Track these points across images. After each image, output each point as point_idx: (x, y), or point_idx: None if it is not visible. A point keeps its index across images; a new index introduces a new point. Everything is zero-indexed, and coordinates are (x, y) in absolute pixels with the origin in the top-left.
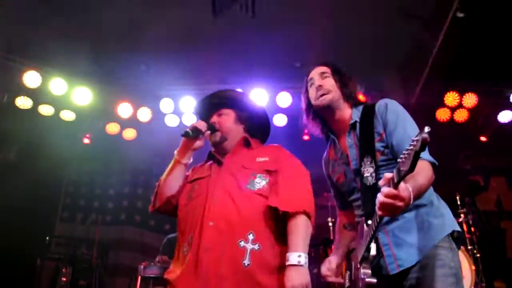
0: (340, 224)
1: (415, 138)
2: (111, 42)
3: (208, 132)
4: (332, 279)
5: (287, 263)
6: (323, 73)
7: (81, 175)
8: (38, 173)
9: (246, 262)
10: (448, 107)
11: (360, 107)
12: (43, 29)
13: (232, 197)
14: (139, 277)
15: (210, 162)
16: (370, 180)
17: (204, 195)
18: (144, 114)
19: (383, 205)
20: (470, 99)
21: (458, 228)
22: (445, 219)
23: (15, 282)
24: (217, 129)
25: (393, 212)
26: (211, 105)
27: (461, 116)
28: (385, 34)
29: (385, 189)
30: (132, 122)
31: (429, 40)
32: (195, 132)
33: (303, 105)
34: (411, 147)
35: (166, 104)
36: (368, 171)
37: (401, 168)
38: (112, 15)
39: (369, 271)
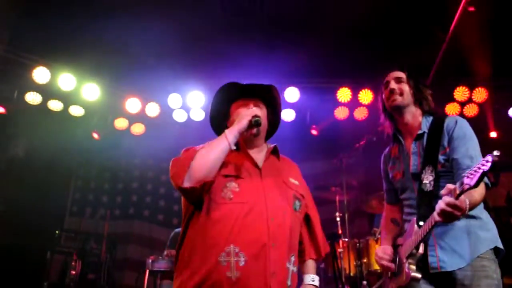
0: (388, 218)
1: (487, 160)
2: (118, 39)
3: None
4: (385, 263)
5: (311, 282)
6: (399, 77)
7: (90, 170)
8: (47, 168)
9: (289, 282)
10: (457, 101)
11: (430, 118)
12: (51, 25)
13: (287, 218)
14: (147, 271)
15: (237, 153)
16: (428, 187)
17: (254, 206)
18: (153, 109)
19: (443, 212)
20: (480, 94)
21: (501, 246)
22: (492, 234)
23: (25, 275)
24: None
25: (450, 219)
26: (247, 91)
27: (471, 111)
28: (393, 28)
29: (447, 198)
30: (141, 117)
31: (438, 34)
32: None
33: (380, 106)
34: (480, 165)
35: (174, 99)
36: (427, 178)
37: (465, 182)
38: (119, 13)
39: (414, 267)
